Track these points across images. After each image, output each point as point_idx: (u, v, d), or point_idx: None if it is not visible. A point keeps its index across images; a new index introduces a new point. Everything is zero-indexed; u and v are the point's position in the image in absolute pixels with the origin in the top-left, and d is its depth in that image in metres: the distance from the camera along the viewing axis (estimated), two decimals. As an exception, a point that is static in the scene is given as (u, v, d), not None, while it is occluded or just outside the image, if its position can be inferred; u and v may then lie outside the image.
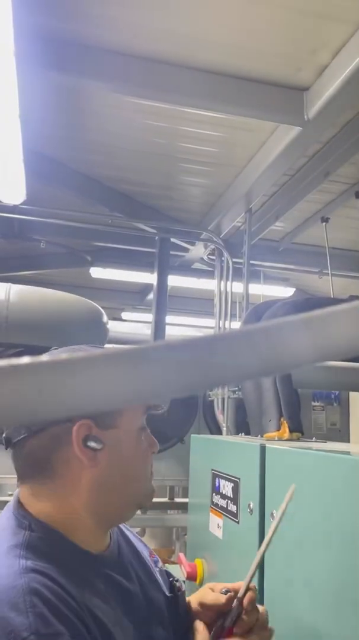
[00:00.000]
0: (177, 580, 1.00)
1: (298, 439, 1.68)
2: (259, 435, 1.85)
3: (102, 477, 0.85)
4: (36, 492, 0.86)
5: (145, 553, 1.02)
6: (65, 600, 0.74)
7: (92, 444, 0.84)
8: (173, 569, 1.21)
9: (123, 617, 0.83)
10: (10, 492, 5.32)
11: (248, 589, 0.95)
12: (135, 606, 0.88)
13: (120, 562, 0.92)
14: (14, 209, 3.34)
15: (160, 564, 1.02)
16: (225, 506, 1.64)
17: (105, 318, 2.58)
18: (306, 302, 2.28)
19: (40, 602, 0.71)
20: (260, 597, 1.34)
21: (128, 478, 0.89)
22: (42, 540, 0.80)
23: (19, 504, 0.86)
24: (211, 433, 5.82)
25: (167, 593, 0.97)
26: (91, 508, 0.85)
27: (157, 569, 1.00)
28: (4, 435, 0.87)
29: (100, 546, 0.89)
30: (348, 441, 3.68)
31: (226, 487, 1.62)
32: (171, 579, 1.01)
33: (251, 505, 1.43)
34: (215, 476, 1.70)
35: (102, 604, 0.80)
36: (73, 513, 0.84)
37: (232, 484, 1.55)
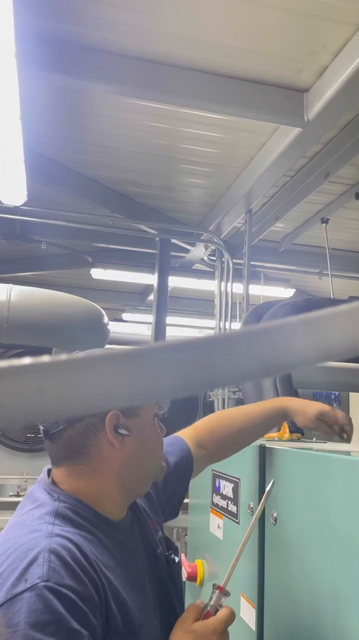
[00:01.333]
0: (171, 554, 1.15)
1: (298, 440, 1.68)
2: (259, 436, 1.85)
3: (129, 457, 1.02)
4: (72, 472, 1.01)
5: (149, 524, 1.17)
6: (81, 563, 0.85)
7: (121, 430, 1.01)
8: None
9: (129, 577, 0.97)
10: (11, 493, 5.33)
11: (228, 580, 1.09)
12: (140, 568, 1.03)
13: (132, 531, 1.09)
14: (15, 210, 3.35)
15: (160, 533, 1.18)
16: (226, 507, 1.64)
17: (105, 319, 2.58)
18: (306, 302, 2.29)
19: (57, 560, 0.82)
20: (259, 598, 1.34)
21: (148, 457, 1.07)
22: (68, 508, 0.95)
23: (52, 482, 1.02)
24: (212, 434, 5.83)
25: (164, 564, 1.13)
26: (119, 483, 1.02)
27: (157, 538, 1.15)
28: (42, 428, 1.02)
29: (120, 516, 1.06)
30: (348, 441, 3.67)
31: (227, 488, 1.62)
32: (168, 553, 1.15)
33: (251, 506, 1.43)
34: (215, 477, 1.70)
35: (114, 565, 0.94)
36: (104, 488, 1.00)
37: (232, 485, 1.55)
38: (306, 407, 1.39)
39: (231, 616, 1.01)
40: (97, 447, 1.00)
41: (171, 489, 1.28)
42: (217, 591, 1.04)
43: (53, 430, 1.01)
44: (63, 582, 0.80)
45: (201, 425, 1.42)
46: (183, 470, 1.31)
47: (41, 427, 1.03)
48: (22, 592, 0.77)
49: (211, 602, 1.03)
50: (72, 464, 1.01)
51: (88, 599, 0.82)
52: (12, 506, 4.79)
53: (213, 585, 1.06)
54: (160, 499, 1.26)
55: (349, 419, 1.40)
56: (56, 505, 0.95)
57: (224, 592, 1.05)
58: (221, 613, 1.01)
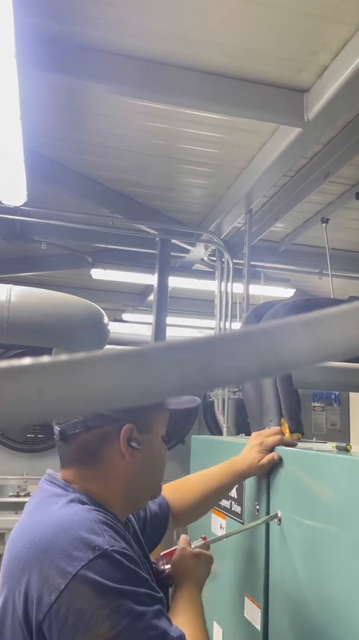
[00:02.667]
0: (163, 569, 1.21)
1: (298, 440, 1.68)
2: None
3: (136, 470, 1.07)
4: (81, 475, 1.05)
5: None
6: (120, 531, 0.97)
7: (134, 443, 1.05)
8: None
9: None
10: (11, 493, 5.33)
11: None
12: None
13: (134, 537, 1.15)
14: (15, 210, 3.35)
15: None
16: (229, 507, 1.64)
17: (106, 319, 2.57)
18: (306, 302, 2.29)
19: (108, 528, 0.93)
20: (265, 598, 1.34)
21: (153, 472, 1.13)
22: (87, 500, 1.00)
23: (64, 481, 1.05)
24: (212, 434, 5.81)
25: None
26: (124, 492, 1.06)
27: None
28: (58, 428, 1.05)
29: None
30: (349, 441, 3.67)
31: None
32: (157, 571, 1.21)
33: (257, 507, 1.43)
34: (215, 477, 1.70)
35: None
36: (109, 494, 1.04)
37: (237, 485, 1.55)
38: (252, 457, 1.40)
39: (210, 558, 1.21)
40: (109, 455, 1.05)
41: (147, 536, 1.30)
42: (201, 540, 1.26)
43: (70, 432, 1.04)
44: (120, 546, 0.91)
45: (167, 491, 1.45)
46: (160, 521, 1.37)
47: (57, 428, 1.06)
48: (94, 559, 0.85)
49: (195, 545, 1.23)
50: (82, 467, 1.05)
51: (136, 559, 0.94)
52: (12, 506, 4.80)
53: (201, 536, 1.28)
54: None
55: (281, 435, 1.44)
56: (74, 495, 1.00)
57: (207, 543, 1.25)
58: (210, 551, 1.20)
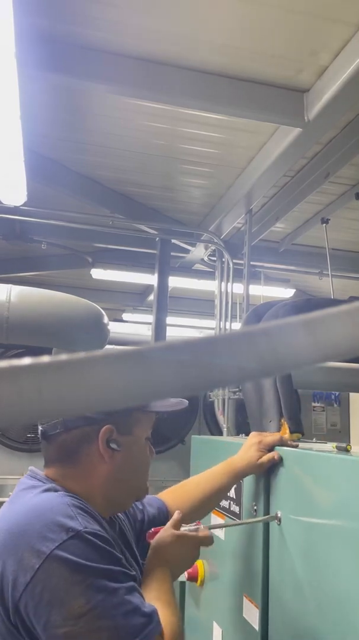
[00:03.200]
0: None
1: (298, 440, 1.68)
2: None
3: (115, 471, 1.07)
4: (62, 474, 1.06)
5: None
6: (96, 517, 1.00)
7: (113, 445, 1.06)
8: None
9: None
10: (11, 493, 5.33)
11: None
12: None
13: (120, 536, 1.18)
14: (14, 210, 3.34)
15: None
16: (228, 507, 1.64)
17: (106, 319, 2.57)
18: (307, 303, 2.29)
19: (81, 511, 0.96)
20: (264, 598, 1.34)
21: (133, 474, 1.12)
22: (66, 495, 1.01)
23: (45, 476, 1.07)
24: (212, 434, 5.82)
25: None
26: (104, 493, 1.07)
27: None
28: (40, 428, 1.08)
29: None
30: (349, 442, 3.67)
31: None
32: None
33: (255, 507, 1.43)
34: (215, 477, 1.70)
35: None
36: (90, 494, 1.05)
37: (235, 485, 1.55)
38: (250, 456, 1.40)
39: (208, 538, 1.19)
40: (88, 456, 1.06)
41: (145, 539, 1.29)
42: (195, 525, 1.25)
43: (50, 433, 1.07)
44: (94, 527, 0.94)
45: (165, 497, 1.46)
46: (158, 525, 1.35)
47: (39, 428, 1.08)
48: (67, 539, 0.88)
49: (186, 529, 1.21)
50: (63, 467, 1.07)
51: (109, 540, 0.97)
52: (12, 506, 4.79)
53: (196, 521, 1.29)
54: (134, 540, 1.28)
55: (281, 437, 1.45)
56: (50, 485, 1.03)
57: (199, 529, 1.23)
58: (199, 532, 1.19)
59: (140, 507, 1.35)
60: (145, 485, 1.17)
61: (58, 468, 1.07)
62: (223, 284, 4.04)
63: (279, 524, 1.30)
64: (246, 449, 1.42)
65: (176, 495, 1.44)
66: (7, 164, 2.49)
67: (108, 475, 1.07)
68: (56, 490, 1.01)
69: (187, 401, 1.17)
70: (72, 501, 0.97)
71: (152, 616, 0.92)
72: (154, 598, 1.01)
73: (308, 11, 2.05)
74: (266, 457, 1.37)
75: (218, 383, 0.36)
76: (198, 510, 1.43)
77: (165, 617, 0.96)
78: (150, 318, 4.19)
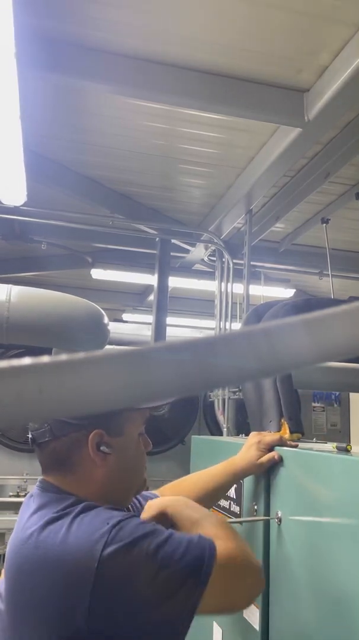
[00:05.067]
0: None
1: (298, 440, 1.68)
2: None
3: (110, 474, 1.07)
4: (61, 481, 1.06)
5: None
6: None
7: (103, 448, 1.05)
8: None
9: None
10: (11, 493, 5.34)
11: None
12: None
13: None
14: (14, 210, 3.34)
15: None
16: (228, 507, 1.64)
17: (106, 319, 2.57)
18: (307, 303, 2.29)
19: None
20: (264, 598, 1.34)
21: (130, 473, 1.12)
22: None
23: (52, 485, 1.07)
24: (212, 434, 5.81)
25: None
26: (102, 495, 1.06)
27: None
28: (30, 436, 1.07)
29: None
30: (349, 442, 3.67)
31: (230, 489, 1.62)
32: None
33: (255, 507, 1.43)
34: (215, 477, 1.70)
35: None
36: (92, 497, 1.04)
37: (236, 485, 1.55)
38: (250, 455, 1.41)
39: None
40: (81, 462, 1.06)
41: None
42: None
43: (40, 440, 1.06)
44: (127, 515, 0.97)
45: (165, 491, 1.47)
46: None
47: (29, 435, 1.08)
48: (111, 533, 0.91)
49: None
50: (59, 474, 1.07)
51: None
52: (12, 506, 4.81)
53: None
54: None
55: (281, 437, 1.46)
56: (74, 499, 1.02)
57: None
58: None
59: (138, 505, 1.35)
60: (142, 478, 1.17)
61: (56, 475, 1.07)
62: (223, 284, 4.04)
63: (279, 524, 1.30)
64: (246, 448, 1.42)
65: (175, 490, 1.45)
66: (7, 164, 2.49)
67: (104, 479, 1.07)
68: (71, 506, 1.00)
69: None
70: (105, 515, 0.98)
71: (201, 540, 0.96)
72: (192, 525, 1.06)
73: (308, 11, 2.05)
74: (266, 457, 1.37)
75: (218, 383, 0.36)
76: None
77: (209, 532, 1.00)
78: (150, 318, 4.19)
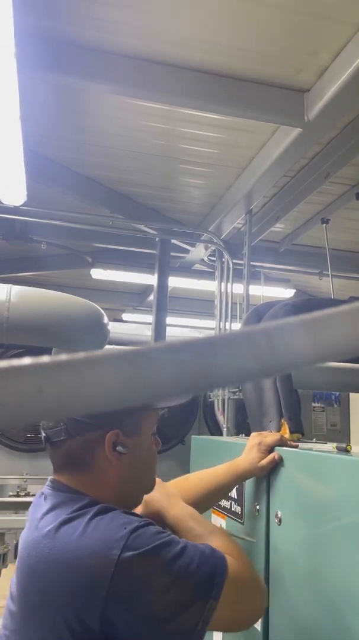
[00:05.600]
0: None
1: (298, 440, 1.68)
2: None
3: (124, 473, 1.07)
4: (74, 481, 1.05)
5: None
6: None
7: (119, 448, 1.05)
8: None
9: None
10: (11, 493, 5.33)
11: None
12: None
13: None
14: (14, 210, 3.34)
15: None
16: (229, 507, 1.64)
17: (105, 319, 2.57)
18: (307, 303, 2.29)
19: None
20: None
21: (142, 473, 1.13)
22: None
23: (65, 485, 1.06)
24: (212, 434, 5.81)
25: None
26: (116, 495, 1.06)
27: None
28: (44, 434, 1.06)
29: None
30: (349, 442, 3.67)
31: (230, 488, 1.62)
32: None
33: (257, 507, 1.43)
34: (215, 477, 1.70)
35: None
36: (103, 497, 1.04)
37: (237, 486, 1.56)
38: (252, 457, 1.41)
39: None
40: (96, 462, 1.05)
41: None
42: None
43: (54, 439, 1.05)
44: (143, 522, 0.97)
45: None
46: None
47: (43, 433, 1.07)
48: (129, 539, 0.91)
49: None
50: (72, 473, 1.06)
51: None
52: (12, 506, 4.81)
53: None
54: None
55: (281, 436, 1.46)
56: (89, 499, 1.02)
57: None
58: None
59: None
60: (153, 478, 1.18)
61: (69, 475, 1.07)
62: (223, 284, 4.04)
63: (279, 524, 1.31)
64: (248, 450, 1.42)
65: (180, 488, 1.45)
66: (7, 164, 2.49)
67: (119, 478, 1.06)
68: (86, 507, 0.99)
69: (190, 395, 1.17)
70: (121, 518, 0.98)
71: (214, 553, 0.97)
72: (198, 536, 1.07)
73: (308, 11, 2.05)
74: (266, 460, 1.37)
75: (218, 383, 0.36)
76: (199, 505, 1.43)
77: (217, 543, 1.02)
78: (150, 318, 4.19)
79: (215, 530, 1.14)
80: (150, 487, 1.18)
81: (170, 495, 1.23)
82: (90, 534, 0.93)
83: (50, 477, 1.11)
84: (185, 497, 1.40)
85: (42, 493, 1.10)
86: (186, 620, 0.90)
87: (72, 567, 0.91)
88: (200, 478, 1.45)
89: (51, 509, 1.01)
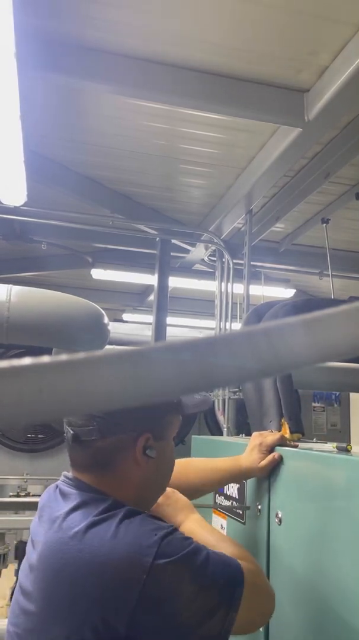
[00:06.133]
0: None
1: (298, 440, 1.68)
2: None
3: (150, 476, 1.08)
4: (98, 481, 1.05)
5: None
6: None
7: (149, 452, 1.05)
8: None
9: None
10: (11, 493, 5.33)
11: None
12: None
13: None
14: (15, 210, 3.34)
15: None
16: (230, 507, 1.64)
17: (106, 319, 2.57)
18: (307, 303, 2.29)
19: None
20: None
21: (166, 476, 1.15)
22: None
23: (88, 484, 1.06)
24: (212, 434, 5.81)
25: None
26: (137, 496, 1.06)
27: None
28: (72, 432, 1.04)
29: None
30: (349, 442, 3.67)
31: (232, 488, 1.62)
32: None
33: (258, 506, 1.43)
34: (216, 477, 1.70)
35: None
36: (125, 498, 1.03)
37: (238, 485, 1.56)
38: (253, 458, 1.42)
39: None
40: (123, 463, 1.05)
41: None
42: None
43: (84, 438, 1.04)
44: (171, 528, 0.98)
45: None
46: None
47: (70, 431, 1.05)
48: (159, 547, 0.92)
49: None
50: (96, 473, 1.05)
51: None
52: (12, 506, 4.80)
53: None
54: None
55: (282, 436, 1.47)
56: (112, 500, 1.02)
57: None
58: None
59: None
60: (169, 481, 1.18)
61: (92, 475, 1.06)
62: (223, 284, 4.04)
63: (280, 524, 1.31)
64: (249, 450, 1.43)
65: (180, 475, 1.45)
66: (7, 164, 2.49)
67: (142, 480, 1.07)
68: (112, 508, 0.99)
69: (211, 399, 1.19)
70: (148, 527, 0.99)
71: (231, 561, 0.99)
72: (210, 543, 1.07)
73: (308, 11, 2.05)
74: (266, 460, 1.37)
75: (218, 383, 0.36)
76: (193, 494, 1.44)
77: (229, 551, 1.04)
78: (150, 318, 4.19)
79: (224, 538, 1.16)
80: (165, 489, 1.19)
81: (176, 501, 1.24)
82: (122, 538, 0.93)
83: (66, 474, 1.10)
84: (181, 482, 1.40)
85: (58, 488, 1.09)
86: (211, 628, 0.93)
87: (103, 570, 0.91)
88: (202, 468, 1.45)
89: (75, 508, 1.00)
